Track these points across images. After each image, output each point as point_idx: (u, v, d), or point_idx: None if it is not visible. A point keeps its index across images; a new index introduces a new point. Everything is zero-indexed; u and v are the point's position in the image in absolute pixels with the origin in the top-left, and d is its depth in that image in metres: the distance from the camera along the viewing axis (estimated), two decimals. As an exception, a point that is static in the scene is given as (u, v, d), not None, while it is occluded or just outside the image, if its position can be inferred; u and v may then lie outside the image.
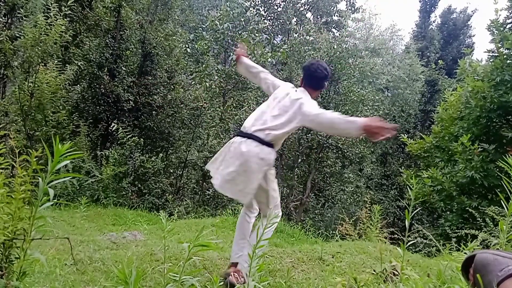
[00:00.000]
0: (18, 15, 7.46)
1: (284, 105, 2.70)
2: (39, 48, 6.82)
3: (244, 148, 2.56)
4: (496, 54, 7.82)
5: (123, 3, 9.59)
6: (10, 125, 7.49)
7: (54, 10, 6.93)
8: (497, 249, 1.91)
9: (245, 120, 2.81)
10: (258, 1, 18.07)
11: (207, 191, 9.60)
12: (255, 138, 2.59)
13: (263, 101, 2.99)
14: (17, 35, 7.06)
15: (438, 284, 2.27)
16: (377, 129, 2.36)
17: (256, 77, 3.12)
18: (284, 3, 18.22)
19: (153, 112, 9.99)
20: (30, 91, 7.14)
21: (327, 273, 3.18)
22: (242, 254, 2.63)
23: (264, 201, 2.75)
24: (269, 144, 2.61)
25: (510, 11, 8.42)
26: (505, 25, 8.18)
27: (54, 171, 1.66)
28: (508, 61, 7.38)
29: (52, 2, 6.97)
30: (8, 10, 7.75)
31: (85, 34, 9.37)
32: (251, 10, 13.05)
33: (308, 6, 19.45)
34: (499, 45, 7.70)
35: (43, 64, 7.31)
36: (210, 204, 9.39)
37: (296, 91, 2.81)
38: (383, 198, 15.45)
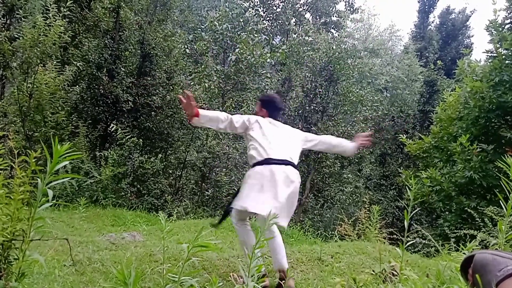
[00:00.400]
0: (17, 15, 7.43)
1: (283, 134, 2.93)
2: (38, 49, 6.80)
3: (291, 174, 2.70)
4: (494, 55, 7.83)
5: (122, 4, 9.58)
6: (9, 126, 7.46)
7: (53, 11, 6.91)
8: (496, 249, 1.92)
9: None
10: (257, 2, 18.11)
11: (206, 192, 9.60)
12: (290, 163, 2.76)
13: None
14: (16, 36, 7.03)
15: (437, 284, 2.27)
16: (364, 143, 3.13)
17: (223, 125, 2.88)
18: (283, 4, 18.27)
19: (152, 112, 9.98)
20: (29, 92, 7.13)
21: (326, 273, 3.18)
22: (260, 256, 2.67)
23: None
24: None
25: (508, 12, 8.43)
26: (503, 26, 8.19)
27: (53, 172, 1.66)
28: (507, 62, 7.39)
29: (51, 3, 6.95)
30: (7, 10, 7.72)
31: (84, 35, 9.35)
32: (250, 11, 13.04)
33: (307, 6, 19.50)
34: (498, 46, 7.71)
35: (42, 65, 7.29)
36: (209, 205, 9.38)
37: (271, 121, 3.00)
38: (382, 198, 15.44)
